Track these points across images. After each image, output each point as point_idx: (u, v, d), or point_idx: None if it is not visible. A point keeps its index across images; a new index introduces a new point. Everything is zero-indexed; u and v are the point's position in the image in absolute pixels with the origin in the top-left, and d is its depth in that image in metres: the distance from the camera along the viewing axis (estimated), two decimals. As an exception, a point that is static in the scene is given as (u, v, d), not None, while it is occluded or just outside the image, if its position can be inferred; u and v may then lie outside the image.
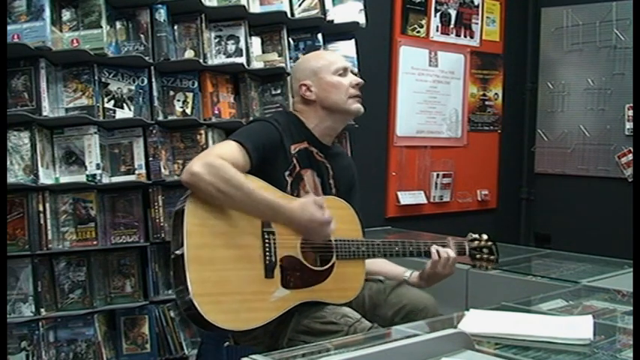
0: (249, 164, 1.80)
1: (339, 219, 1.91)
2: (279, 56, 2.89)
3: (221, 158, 1.73)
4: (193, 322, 1.72)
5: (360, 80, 2.04)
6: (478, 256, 2.06)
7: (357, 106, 2.03)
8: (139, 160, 2.61)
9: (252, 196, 1.74)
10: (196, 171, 1.70)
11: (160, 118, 2.67)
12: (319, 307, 1.81)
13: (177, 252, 1.68)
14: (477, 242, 2.07)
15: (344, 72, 2.03)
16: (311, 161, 1.98)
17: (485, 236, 2.10)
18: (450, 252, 1.98)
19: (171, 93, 2.74)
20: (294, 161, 1.92)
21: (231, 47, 2.82)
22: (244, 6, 2.78)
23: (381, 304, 1.94)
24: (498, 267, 2.63)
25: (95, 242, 2.51)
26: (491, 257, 2.07)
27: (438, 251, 1.97)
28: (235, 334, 1.90)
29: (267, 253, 1.77)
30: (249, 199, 1.73)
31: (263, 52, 2.91)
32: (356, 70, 2.66)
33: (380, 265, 2.09)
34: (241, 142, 1.80)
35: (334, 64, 2.03)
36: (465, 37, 4.03)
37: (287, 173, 1.90)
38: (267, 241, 1.78)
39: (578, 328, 1.47)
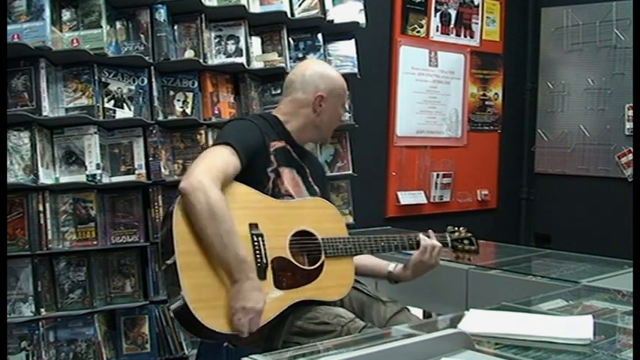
0: (240, 166, 1.83)
1: (325, 218, 1.97)
2: (279, 56, 2.89)
3: (221, 173, 1.75)
4: (192, 331, 1.72)
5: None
6: (460, 247, 2.13)
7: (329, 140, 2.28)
8: (139, 160, 2.61)
9: (228, 236, 1.69)
10: (195, 185, 1.68)
11: (160, 118, 2.67)
12: (312, 309, 1.82)
13: (169, 262, 1.69)
14: (456, 234, 2.15)
15: (343, 109, 2.17)
16: (289, 160, 2.01)
17: (463, 228, 2.17)
18: (436, 242, 2.05)
19: (171, 93, 2.74)
20: (273, 158, 1.95)
21: (231, 47, 2.82)
22: (244, 6, 2.78)
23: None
24: (498, 267, 2.63)
25: (95, 242, 2.51)
26: (472, 248, 2.15)
27: (424, 240, 2.04)
28: (233, 338, 1.90)
29: (258, 256, 1.78)
30: (223, 238, 1.69)
31: (263, 52, 2.91)
32: None
33: (365, 260, 2.12)
34: (232, 146, 1.83)
35: (346, 99, 2.16)
36: (465, 37, 4.03)
37: (269, 170, 1.93)
38: (256, 243, 1.79)
39: (578, 328, 1.47)
